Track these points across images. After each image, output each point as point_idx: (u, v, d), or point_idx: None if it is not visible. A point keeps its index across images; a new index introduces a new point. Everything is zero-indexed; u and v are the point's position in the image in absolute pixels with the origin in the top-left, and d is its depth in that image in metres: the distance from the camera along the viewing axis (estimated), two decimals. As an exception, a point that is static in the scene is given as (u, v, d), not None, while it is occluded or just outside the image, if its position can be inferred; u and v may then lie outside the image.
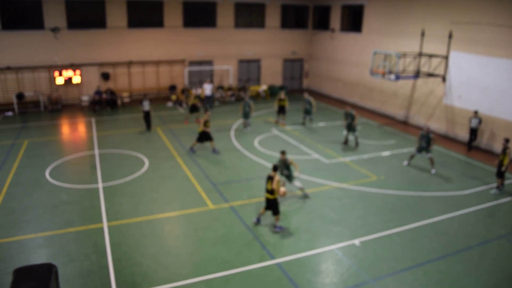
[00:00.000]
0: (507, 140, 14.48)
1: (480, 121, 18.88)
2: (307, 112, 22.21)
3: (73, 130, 21.18)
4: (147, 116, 20.49)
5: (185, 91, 26.57)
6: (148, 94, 27.90)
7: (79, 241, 10.78)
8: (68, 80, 25.23)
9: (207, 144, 18.28)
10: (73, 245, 10.61)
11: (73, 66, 25.40)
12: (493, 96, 18.92)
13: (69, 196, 13.43)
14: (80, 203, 12.93)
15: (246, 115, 21.23)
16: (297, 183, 13.60)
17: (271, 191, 11.37)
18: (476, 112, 18.94)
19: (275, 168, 11.46)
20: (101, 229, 11.40)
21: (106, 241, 10.80)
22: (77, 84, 25.79)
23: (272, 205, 11.53)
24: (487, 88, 19.18)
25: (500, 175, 14.57)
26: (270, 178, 11.35)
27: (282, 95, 22.23)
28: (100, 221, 11.86)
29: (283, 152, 13.28)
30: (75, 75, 25.35)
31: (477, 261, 10.52)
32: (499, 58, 18.49)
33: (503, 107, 18.53)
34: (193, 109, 22.36)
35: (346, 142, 19.47)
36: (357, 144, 19.06)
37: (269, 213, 12.10)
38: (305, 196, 13.83)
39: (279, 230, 11.61)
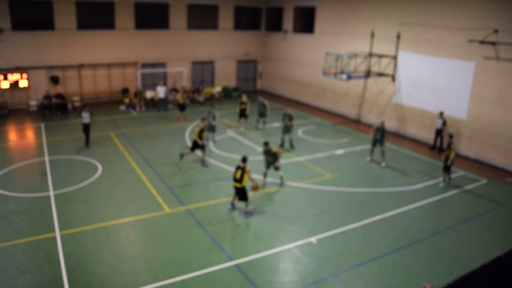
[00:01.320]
0: (451, 136, 15.22)
1: (444, 122, 18.98)
2: (261, 114, 22.26)
3: (20, 137, 20.32)
4: (86, 129, 18.39)
5: (138, 94, 26.12)
6: (100, 97, 27.32)
7: (30, 252, 10.36)
8: (14, 84, 24.19)
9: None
10: (23, 256, 10.18)
11: (20, 70, 24.38)
12: (440, 94, 19.76)
13: (17, 205, 12.87)
14: (30, 213, 12.42)
15: (212, 129, 18.87)
16: (280, 172, 14.72)
17: (239, 180, 12.10)
18: (441, 113, 19.05)
19: (244, 160, 12.47)
20: (54, 239, 11.00)
21: (59, 251, 10.43)
22: (24, 88, 24.78)
23: (240, 193, 12.39)
24: (434, 87, 20.00)
25: (447, 169, 15.25)
26: (239, 168, 12.24)
27: (244, 98, 21.94)
28: (52, 230, 11.45)
29: (266, 143, 14.31)
30: (21, 78, 24.35)
31: (429, 252, 10.97)
32: (444, 58, 19.33)
33: (448, 105, 19.39)
34: (182, 108, 23.22)
35: (282, 144, 19.09)
36: (292, 145, 18.94)
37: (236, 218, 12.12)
38: (282, 184, 14.82)
39: (249, 215, 12.33)
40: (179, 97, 23.27)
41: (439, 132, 19.31)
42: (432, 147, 19.88)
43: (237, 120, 22.51)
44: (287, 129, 18.65)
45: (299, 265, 10.17)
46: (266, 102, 22.40)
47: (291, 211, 12.97)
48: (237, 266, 10.03)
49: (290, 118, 18.40)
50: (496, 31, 17.04)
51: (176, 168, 16.34)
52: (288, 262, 10.31)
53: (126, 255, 10.44)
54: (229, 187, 14.57)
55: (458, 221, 12.78)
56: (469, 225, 12.54)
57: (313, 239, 11.36)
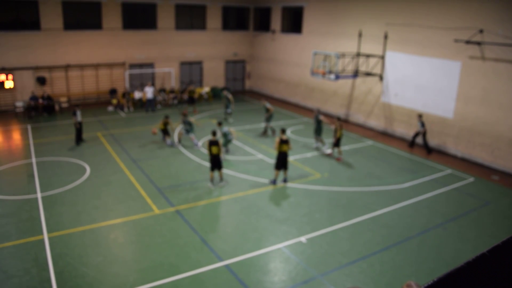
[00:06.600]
0: (214, 133, 14.71)
1: (422, 125, 18.91)
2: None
3: (6, 138, 20.08)
4: (81, 127, 18.91)
5: (126, 94, 25.97)
6: (88, 98, 27.13)
7: (17, 256, 10.25)
8: (0, 85, 23.89)
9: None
10: (10, 260, 10.07)
11: (5, 70, 24.10)
12: (426, 94, 19.95)
13: (4, 208, 12.72)
14: (17, 215, 12.29)
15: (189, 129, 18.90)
16: None
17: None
18: (420, 116, 19.06)
19: (283, 131, 14.90)
20: (42, 241, 10.90)
21: (47, 254, 10.34)
22: (10, 89, 24.48)
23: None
24: (421, 86, 20.19)
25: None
26: (284, 142, 14.56)
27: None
28: (40, 233, 11.34)
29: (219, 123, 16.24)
30: (7, 79, 24.06)
31: (417, 250, 11.06)
32: (431, 57, 19.52)
33: (435, 103, 19.58)
34: (191, 101, 25.78)
35: (265, 132, 21.20)
36: (273, 131, 21.09)
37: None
38: None
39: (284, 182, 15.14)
40: (191, 89, 26.01)
41: (419, 133, 19.27)
42: (428, 150, 19.39)
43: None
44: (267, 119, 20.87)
45: (289, 265, 10.20)
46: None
47: (281, 211, 13.00)
48: (227, 266, 10.03)
49: (266, 110, 20.58)
50: (481, 31, 17.25)
51: (165, 169, 16.28)
52: (278, 262, 10.33)
53: (115, 257, 10.38)
54: (217, 187, 14.59)
55: (445, 219, 12.92)
56: (457, 223, 12.68)
57: (302, 239, 11.40)
